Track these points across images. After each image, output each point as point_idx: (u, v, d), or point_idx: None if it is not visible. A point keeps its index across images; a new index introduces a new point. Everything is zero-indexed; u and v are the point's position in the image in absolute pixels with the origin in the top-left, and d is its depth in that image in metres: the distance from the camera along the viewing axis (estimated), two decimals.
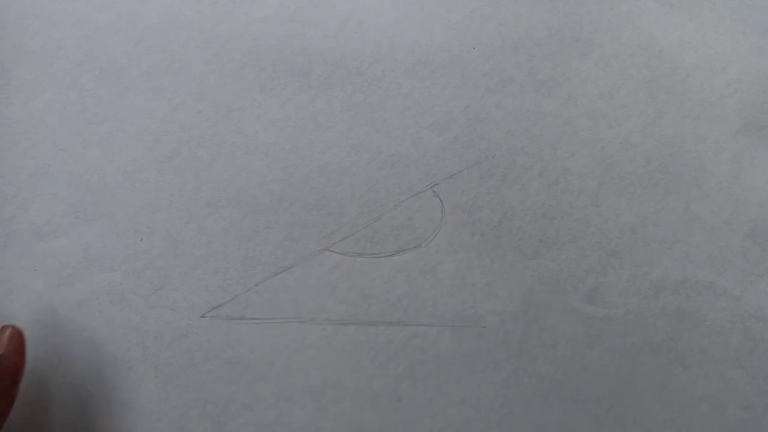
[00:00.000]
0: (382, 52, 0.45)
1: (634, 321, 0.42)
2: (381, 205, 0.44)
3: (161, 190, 0.44)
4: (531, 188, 0.44)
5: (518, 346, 0.43)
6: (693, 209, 0.44)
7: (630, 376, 0.43)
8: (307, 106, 0.45)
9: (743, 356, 0.43)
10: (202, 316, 0.43)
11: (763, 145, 0.45)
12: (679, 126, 0.45)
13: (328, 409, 0.42)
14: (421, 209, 0.44)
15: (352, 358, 0.43)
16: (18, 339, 0.37)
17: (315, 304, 0.43)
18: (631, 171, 0.45)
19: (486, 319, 0.43)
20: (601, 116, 0.45)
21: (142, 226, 0.43)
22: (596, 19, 0.46)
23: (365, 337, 0.43)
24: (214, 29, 0.45)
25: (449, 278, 0.43)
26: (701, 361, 0.43)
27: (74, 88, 0.44)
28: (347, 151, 0.44)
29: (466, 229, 0.44)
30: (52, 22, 0.45)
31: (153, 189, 0.44)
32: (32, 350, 0.41)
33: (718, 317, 0.44)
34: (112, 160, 0.44)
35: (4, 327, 0.37)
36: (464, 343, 0.43)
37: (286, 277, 0.43)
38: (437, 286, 0.43)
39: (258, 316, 0.43)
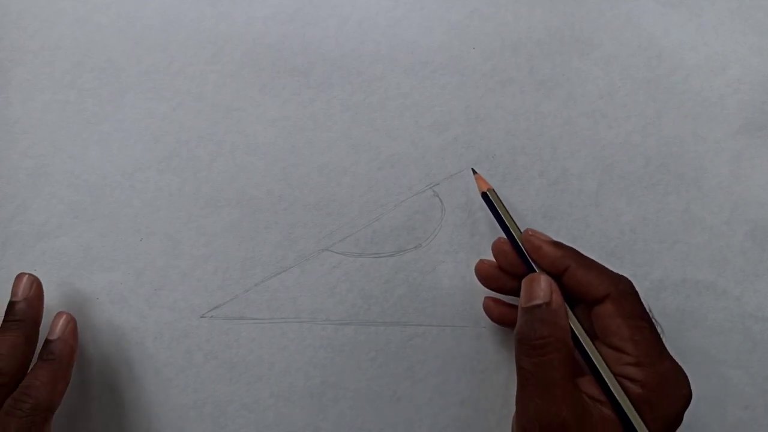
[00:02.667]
0: (382, 52, 0.45)
1: None
2: (381, 205, 0.44)
3: (161, 190, 0.44)
4: (531, 188, 0.44)
5: None
6: (693, 209, 0.44)
7: None
8: (306, 106, 0.45)
9: (743, 356, 0.43)
10: (201, 317, 0.43)
11: (763, 145, 0.45)
12: (679, 126, 0.45)
13: (327, 409, 0.42)
14: (421, 209, 0.44)
15: (352, 358, 0.43)
16: (72, 325, 0.39)
17: (315, 304, 0.43)
18: (631, 171, 0.45)
19: (486, 319, 0.43)
20: (601, 116, 0.45)
21: (142, 226, 0.43)
22: (596, 19, 0.46)
23: (365, 337, 0.43)
24: (214, 29, 0.45)
25: (449, 278, 0.43)
26: (701, 361, 0.43)
27: (73, 87, 0.44)
28: (347, 151, 0.44)
29: (466, 229, 0.44)
30: (51, 22, 0.45)
31: (153, 189, 0.44)
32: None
33: (718, 317, 0.44)
34: (111, 160, 0.44)
35: (59, 313, 0.40)
36: (464, 343, 0.43)
37: (285, 277, 0.43)
38: (437, 286, 0.43)
39: (258, 316, 0.43)
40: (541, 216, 0.44)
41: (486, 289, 0.42)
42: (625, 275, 0.36)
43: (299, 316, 0.43)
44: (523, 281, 0.37)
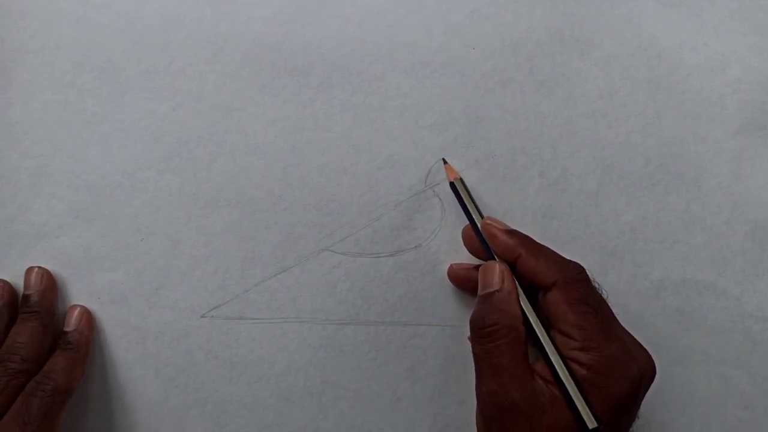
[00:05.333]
0: (382, 52, 0.45)
1: (634, 321, 0.42)
2: (381, 205, 0.44)
3: (161, 190, 0.44)
4: (531, 188, 0.44)
5: None
6: (693, 209, 0.44)
7: None
8: (306, 106, 0.45)
9: (743, 356, 0.43)
10: (202, 316, 0.43)
11: (763, 145, 0.45)
12: (679, 126, 0.45)
13: (327, 409, 0.42)
14: (421, 209, 0.44)
15: (352, 358, 0.43)
16: (87, 316, 0.42)
17: (315, 304, 0.43)
18: (631, 171, 0.45)
19: None
20: (601, 116, 0.45)
21: (142, 226, 0.43)
22: (596, 19, 0.46)
23: (365, 337, 0.43)
24: (214, 29, 0.45)
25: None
26: (701, 361, 0.43)
27: (73, 87, 0.44)
28: (347, 151, 0.44)
29: None
30: (51, 22, 0.45)
31: (153, 189, 0.44)
32: None
33: (718, 317, 0.44)
34: (112, 160, 0.44)
35: (73, 306, 0.42)
36: (464, 343, 0.43)
37: (285, 277, 0.43)
38: (437, 286, 0.43)
39: (258, 316, 0.43)
40: (541, 216, 0.44)
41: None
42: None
43: (299, 316, 0.43)
44: (480, 269, 0.38)
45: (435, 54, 0.45)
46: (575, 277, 0.36)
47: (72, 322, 0.41)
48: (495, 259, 0.38)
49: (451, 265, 0.43)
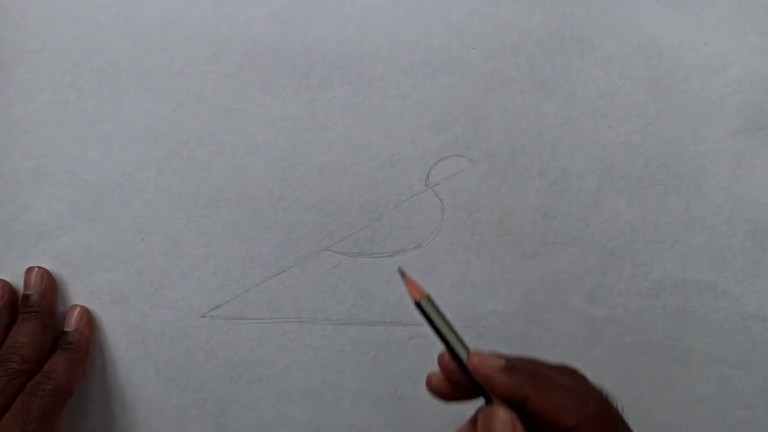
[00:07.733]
0: (382, 52, 0.45)
1: (634, 321, 0.42)
2: (381, 205, 0.44)
3: (161, 190, 0.44)
4: (531, 188, 0.44)
5: (518, 346, 0.43)
6: (693, 209, 0.44)
7: (630, 376, 0.43)
8: (306, 106, 0.45)
9: (743, 356, 0.43)
10: (202, 316, 0.43)
11: (763, 145, 0.45)
12: (679, 126, 0.45)
13: (328, 409, 0.42)
14: (421, 209, 0.44)
15: (352, 358, 0.43)
16: (87, 316, 0.42)
17: (315, 304, 0.43)
18: (631, 171, 0.45)
19: (486, 319, 0.43)
20: (601, 116, 0.45)
21: (142, 226, 0.43)
22: (596, 19, 0.46)
23: (365, 337, 0.43)
24: (214, 29, 0.45)
25: (449, 278, 0.43)
26: (701, 361, 0.43)
27: (73, 88, 0.44)
28: (347, 151, 0.44)
29: (466, 229, 0.44)
30: (52, 22, 0.45)
31: (153, 189, 0.44)
32: None
33: (718, 317, 0.44)
34: (112, 160, 0.44)
35: (73, 306, 0.42)
36: None
37: (285, 277, 0.43)
38: (437, 286, 0.43)
39: (258, 316, 0.43)
40: (541, 216, 0.44)
41: (485, 289, 0.42)
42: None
43: (299, 316, 0.43)
44: (480, 415, 0.30)
45: (435, 54, 0.45)
46: (601, 415, 0.30)
47: (72, 322, 0.41)
48: (493, 400, 0.30)
49: (429, 376, 0.33)
